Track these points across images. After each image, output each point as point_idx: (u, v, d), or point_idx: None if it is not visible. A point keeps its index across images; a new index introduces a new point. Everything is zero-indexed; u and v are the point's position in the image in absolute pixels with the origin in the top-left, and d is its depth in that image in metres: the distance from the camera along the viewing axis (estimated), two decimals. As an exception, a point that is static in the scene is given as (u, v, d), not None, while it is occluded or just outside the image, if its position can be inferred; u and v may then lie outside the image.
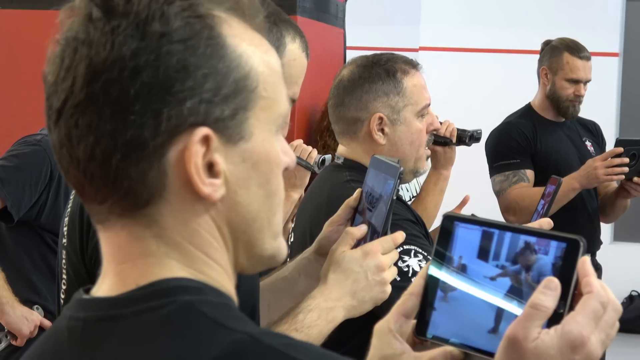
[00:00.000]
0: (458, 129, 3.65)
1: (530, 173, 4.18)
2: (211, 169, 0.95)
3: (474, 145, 3.81)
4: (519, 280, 1.08)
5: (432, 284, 1.12)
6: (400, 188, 3.95)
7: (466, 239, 1.11)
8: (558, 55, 4.27)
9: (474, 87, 8.67)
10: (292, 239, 2.35)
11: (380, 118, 2.32)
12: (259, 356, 0.89)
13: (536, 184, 4.16)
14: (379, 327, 1.14)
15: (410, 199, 3.83)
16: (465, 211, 2.84)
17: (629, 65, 8.76)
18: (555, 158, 4.23)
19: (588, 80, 4.27)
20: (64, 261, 1.77)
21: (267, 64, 1.00)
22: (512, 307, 1.07)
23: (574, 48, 4.26)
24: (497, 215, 4.02)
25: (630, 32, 8.73)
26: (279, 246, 1.05)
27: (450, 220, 1.13)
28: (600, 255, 8.45)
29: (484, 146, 4.30)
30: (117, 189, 0.95)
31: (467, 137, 3.64)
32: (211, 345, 0.89)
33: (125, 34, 0.93)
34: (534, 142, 4.24)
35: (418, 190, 3.79)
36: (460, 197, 3.50)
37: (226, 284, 1.00)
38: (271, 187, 1.01)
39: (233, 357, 0.88)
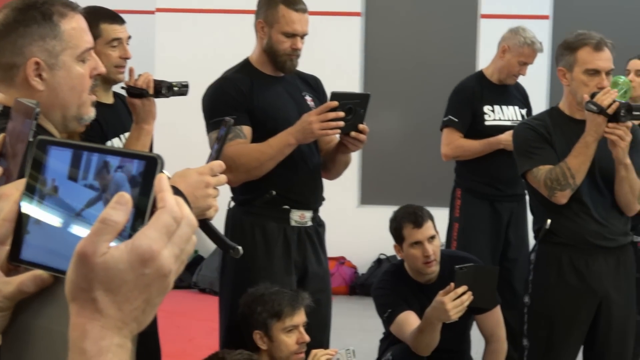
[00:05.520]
0: (155, 80, 3.68)
1: (247, 129, 4.25)
2: None
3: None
4: (103, 198, 1.14)
5: (25, 208, 1.17)
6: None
7: (58, 162, 1.16)
8: (274, 7, 4.35)
9: (211, 48, 8.76)
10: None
11: (37, 63, 2.32)
12: None
13: (254, 140, 4.25)
14: None
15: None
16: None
17: (371, 24, 9.09)
18: (273, 113, 4.31)
19: (305, 34, 4.38)
20: None
21: None
22: None
23: (290, 1, 4.36)
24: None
25: (371, -9, 9.07)
26: None
27: (43, 143, 1.17)
28: (347, 220, 8.77)
29: (201, 102, 4.37)
30: None
31: (164, 88, 3.68)
32: None
33: None
34: (251, 97, 4.31)
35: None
36: (179, 160, 3.54)
37: None
38: None
39: None
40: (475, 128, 5.86)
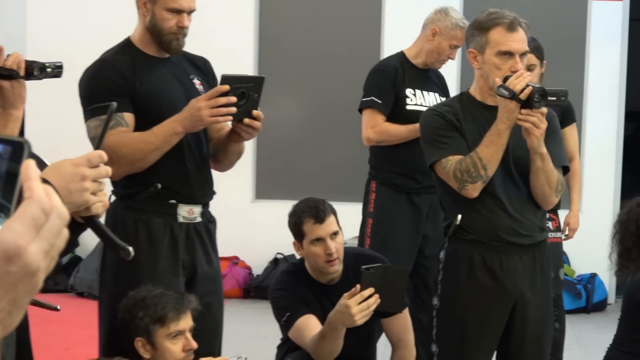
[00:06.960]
0: (26, 60, 3.65)
1: (129, 117, 4.21)
2: None
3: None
4: None
5: None
6: None
7: None
8: (157, -19, 4.32)
9: (89, 26, 8.70)
10: None
11: None
12: None
13: (137, 129, 4.22)
14: None
15: None
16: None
17: (266, 1, 9.11)
18: (157, 99, 4.29)
19: (192, 10, 4.36)
20: None
21: None
22: None
23: None
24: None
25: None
26: None
27: None
28: (240, 216, 8.77)
29: (78, 87, 4.32)
30: None
31: (36, 69, 3.64)
32: None
33: None
34: (133, 81, 4.27)
35: None
36: (52, 151, 3.51)
37: None
38: None
39: None
40: (394, 111, 5.87)
